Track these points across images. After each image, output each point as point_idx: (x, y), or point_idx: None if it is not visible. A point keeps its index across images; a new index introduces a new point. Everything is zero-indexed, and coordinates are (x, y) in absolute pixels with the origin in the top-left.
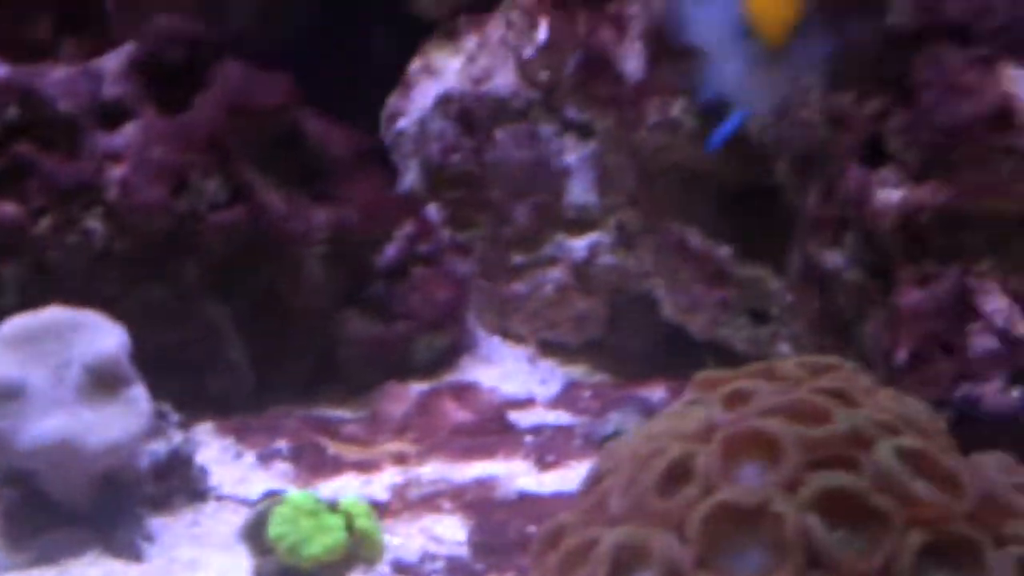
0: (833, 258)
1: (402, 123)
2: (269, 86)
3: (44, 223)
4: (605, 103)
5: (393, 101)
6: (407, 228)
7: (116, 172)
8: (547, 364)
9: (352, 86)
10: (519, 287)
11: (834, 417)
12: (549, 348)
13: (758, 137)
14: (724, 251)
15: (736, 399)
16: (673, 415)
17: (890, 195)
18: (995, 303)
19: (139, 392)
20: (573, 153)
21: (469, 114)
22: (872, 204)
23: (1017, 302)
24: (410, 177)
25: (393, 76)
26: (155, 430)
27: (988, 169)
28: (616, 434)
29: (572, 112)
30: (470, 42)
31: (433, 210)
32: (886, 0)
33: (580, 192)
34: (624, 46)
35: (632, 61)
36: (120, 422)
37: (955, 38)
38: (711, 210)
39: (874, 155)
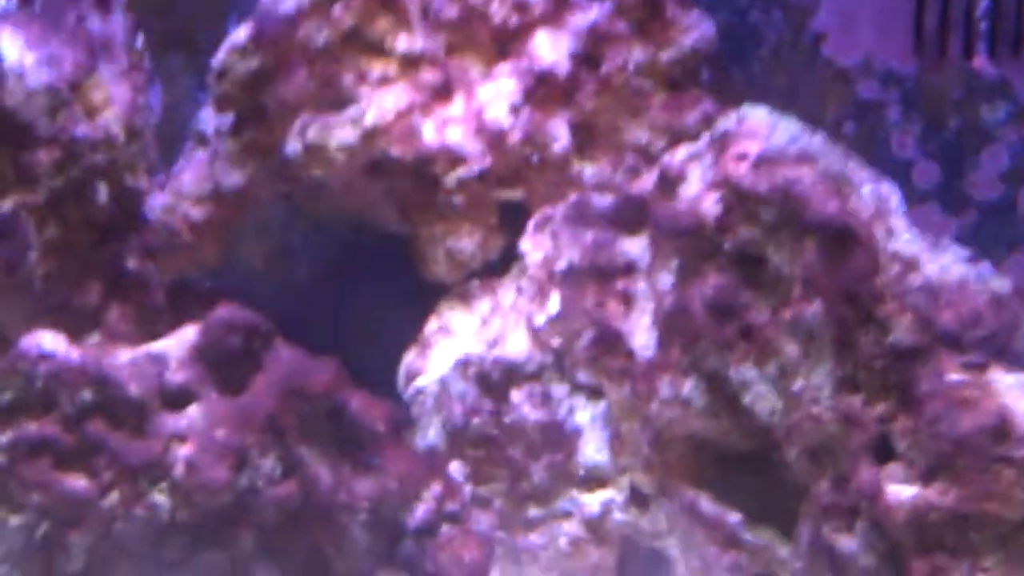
0: (846, 543)
1: (421, 382)
2: (319, 369)
3: (113, 497)
4: (617, 376)
5: (411, 360)
6: (435, 488)
7: (182, 452)
8: None
9: (360, 339)
10: (535, 539)
11: None
12: None
13: (768, 419)
14: (735, 517)
15: None
16: None
17: (901, 492)
18: None
19: None
20: (584, 414)
21: (486, 376)
22: (884, 500)
23: None
24: (432, 434)
25: (400, 332)
26: None
27: (989, 477)
28: None
29: (583, 376)
30: (484, 305)
31: (457, 467)
32: (889, 319)
33: (592, 452)
34: (631, 321)
35: (641, 337)
36: None
37: (949, 346)
38: (722, 477)
39: (883, 451)
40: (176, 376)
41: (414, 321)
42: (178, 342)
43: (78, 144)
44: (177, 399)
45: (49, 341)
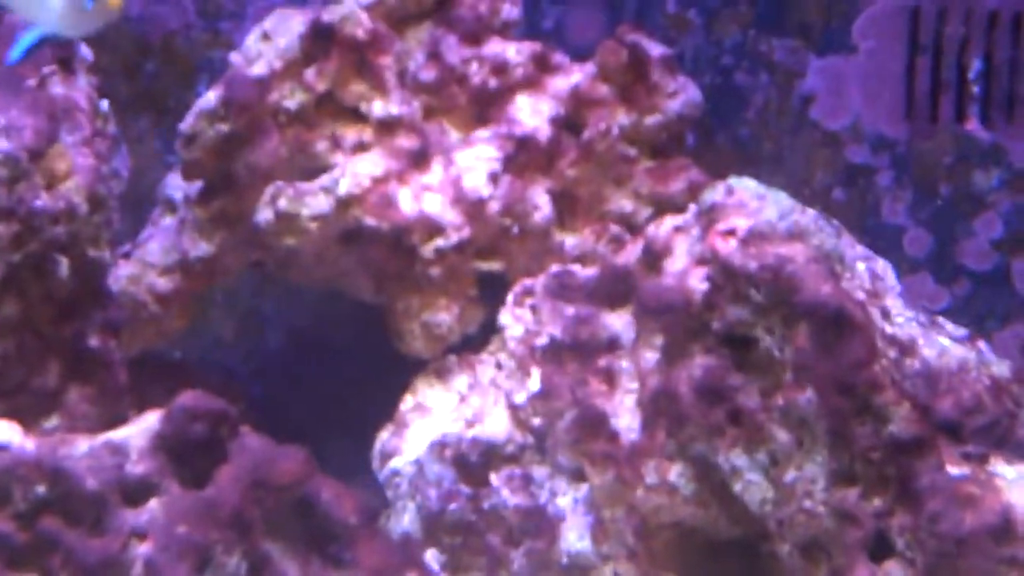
0: None
1: (397, 464)
2: (286, 460)
3: None
4: (600, 460)
5: (386, 439)
6: None
7: (141, 550)
8: None
9: (331, 411)
10: None
11: None
12: None
13: (759, 509)
14: None
15: None
16: None
17: None
18: None
19: None
20: (566, 498)
21: (464, 458)
22: None
23: None
24: (407, 520)
25: (374, 404)
26: None
27: None
28: None
29: (564, 458)
30: (461, 381)
31: (432, 555)
32: (887, 408)
33: (574, 539)
34: (615, 401)
35: (625, 418)
36: None
37: (949, 435)
38: (710, 567)
39: (880, 547)
40: (136, 468)
41: (388, 393)
42: (139, 430)
43: (37, 216)
44: (137, 493)
45: (4, 432)
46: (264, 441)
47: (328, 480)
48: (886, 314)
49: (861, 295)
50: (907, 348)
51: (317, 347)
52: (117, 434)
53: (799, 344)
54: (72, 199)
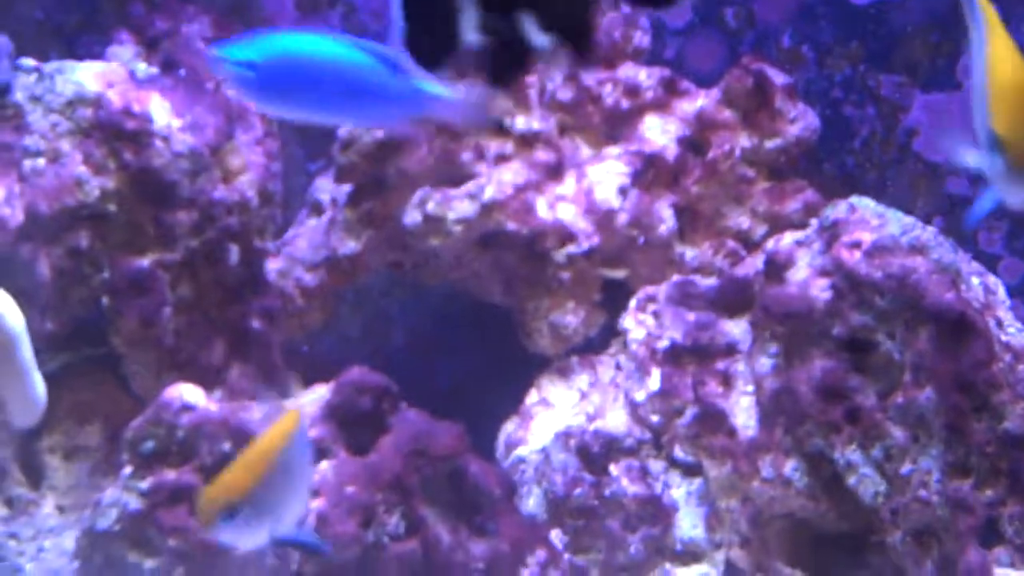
0: None
1: (523, 452)
2: (443, 433)
3: None
4: (719, 454)
5: (512, 430)
6: (539, 554)
7: (314, 505)
8: None
9: (451, 407)
10: None
11: None
12: None
13: (872, 501)
14: None
15: None
16: None
17: (1008, 575)
18: None
19: None
20: (680, 490)
21: (587, 449)
22: None
23: None
24: (533, 502)
25: (491, 401)
26: None
27: None
28: None
29: (680, 452)
30: (582, 380)
31: (556, 535)
32: (1004, 407)
33: (688, 527)
34: (731, 400)
35: (741, 416)
36: None
37: None
38: (819, 557)
39: (989, 535)
40: (309, 433)
41: (504, 390)
42: (310, 400)
43: (215, 206)
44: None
45: (190, 394)
46: (423, 416)
47: (475, 456)
48: (999, 323)
49: (977, 305)
50: (1020, 355)
51: (439, 346)
52: (290, 403)
53: (920, 347)
54: (245, 192)
